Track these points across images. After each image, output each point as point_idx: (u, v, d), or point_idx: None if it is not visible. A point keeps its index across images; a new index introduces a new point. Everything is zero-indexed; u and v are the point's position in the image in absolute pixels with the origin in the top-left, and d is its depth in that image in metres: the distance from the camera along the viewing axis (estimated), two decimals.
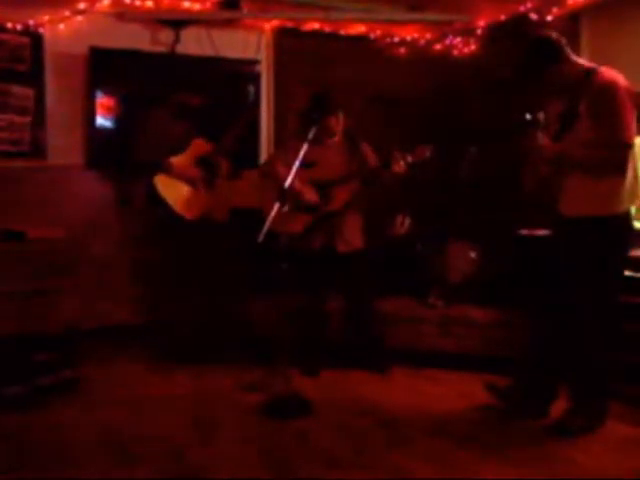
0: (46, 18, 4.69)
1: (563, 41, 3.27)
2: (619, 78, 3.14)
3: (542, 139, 3.30)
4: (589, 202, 3.18)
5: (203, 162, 4.52)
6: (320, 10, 5.27)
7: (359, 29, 5.50)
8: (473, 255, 4.67)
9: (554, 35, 3.29)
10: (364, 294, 4.30)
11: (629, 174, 3.17)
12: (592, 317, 3.25)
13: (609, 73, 3.16)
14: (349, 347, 4.35)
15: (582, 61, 3.31)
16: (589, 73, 3.19)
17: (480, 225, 4.78)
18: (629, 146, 3.09)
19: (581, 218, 3.21)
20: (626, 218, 3.22)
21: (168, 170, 4.35)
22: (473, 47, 5.51)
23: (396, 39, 5.62)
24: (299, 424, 3.43)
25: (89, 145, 4.93)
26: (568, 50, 3.27)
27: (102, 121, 4.90)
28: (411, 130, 5.24)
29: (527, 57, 3.30)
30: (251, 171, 4.97)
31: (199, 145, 4.53)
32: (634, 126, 3.12)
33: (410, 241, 4.87)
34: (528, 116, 3.34)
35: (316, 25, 5.39)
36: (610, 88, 3.09)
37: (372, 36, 5.56)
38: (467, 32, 5.49)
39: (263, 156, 5.40)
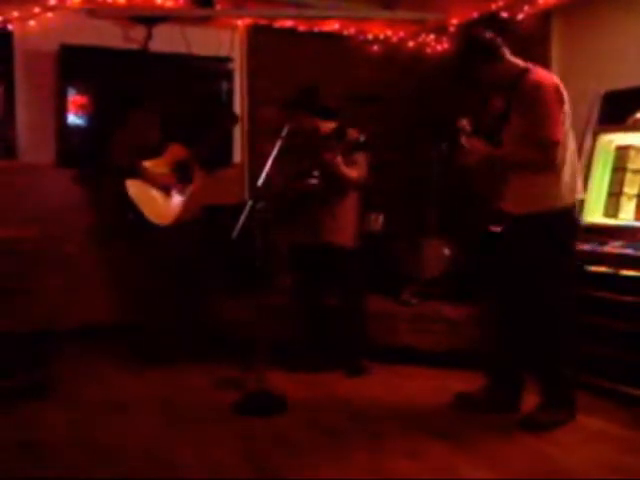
0: (15, 14, 4.63)
1: (498, 40, 3.30)
2: (548, 78, 3.21)
3: (469, 143, 3.37)
4: (528, 199, 3.26)
5: (179, 167, 4.50)
6: (293, 7, 5.27)
7: (333, 26, 5.51)
8: (447, 252, 4.69)
9: (487, 34, 3.33)
10: (353, 293, 4.24)
11: (567, 170, 3.24)
12: (543, 310, 3.31)
13: (539, 73, 3.23)
14: (327, 346, 4.31)
15: (518, 61, 3.34)
16: (521, 73, 3.26)
17: (453, 221, 4.82)
18: (555, 143, 3.15)
19: (523, 215, 3.28)
20: (567, 213, 3.28)
21: (141, 174, 4.31)
22: (446, 45, 5.54)
23: (369, 36, 5.64)
24: (274, 422, 3.43)
25: (60, 144, 4.88)
26: (504, 49, 3.31)
27: (73, 119, 4.86)
28: (386, 128, 5.28)
29: (461, 55, 3.37)
30: (224, 169, 4.97)
31: (176, 150, 4.50)
32: (562, 124, 3.17)
33: (384, 238, 4.89)
34: (450, 124, 3.45)
35: (290, 22, 5.39)
36: (538, 88, 3.16)
37: (346, 33, 5.57)
38: (440, 30, 5.53)
39: (236, 154, 5.40)
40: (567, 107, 3.22)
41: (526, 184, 3.25)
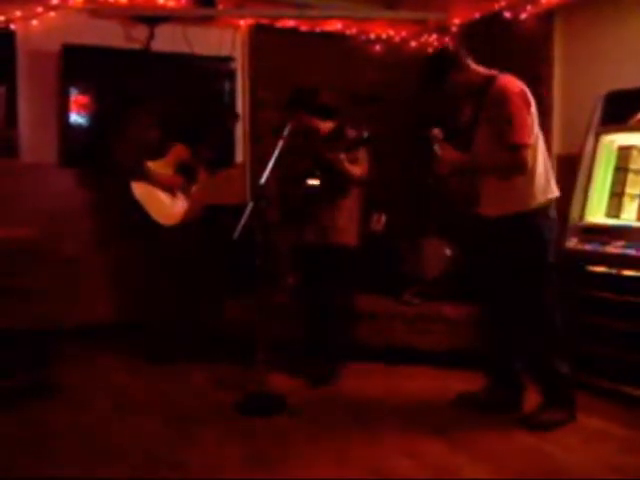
0: (18, 14, 4.64)
1: (462, 51, 3.39)
2: (513, 83, 3.25)
3: (441, 151, 3.41)
4: (505, 202, 3.31)
5: (182, 168, 4.51)
6: (295, 7, 5.27)
7: (335, 26, 5.51)
8: (448, 252, 4.69)
9: (451, 47, 3.45)
10: (344, 292, 4.21)
11: (540, 170, 3.28)
12: (529, 307, 3.35)
13: (504, 80, 3.28)
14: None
15: (482, 69, 3.39)
16: (488, 81, 3.31)
17: (453, 221, 4.80)
18: (525, 147, 3.18)
19: (501, 217, 3.33)
20: (542, 211, 3.31)
21: (146, 176, 4.32)
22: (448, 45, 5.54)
23: (372, 36, 5.64)
24: (274, 422, 3.43)
25: (62, 143, 4.89)
26: (468, 59, 3.37)
27: (75, 119, 4.86)
28: (387, 128, 5.26)
29: (427, 70, 3.45)
30: (226, 169, 4.97)
31: (179, 150, 4.51)
32: (530, 127, 3.21)
33: (386, 238, 4.88)
34: (423, 133, 3.48)
35: (291, 22, 5.39)
36: (503, 94, 3.21)
37: (348, 33, 5.57)
38: (442, 30, 5.53)
39: (238, 154, 5.40)
40: (534, 110, 3.26)
41: (501, 188, 3.31)
